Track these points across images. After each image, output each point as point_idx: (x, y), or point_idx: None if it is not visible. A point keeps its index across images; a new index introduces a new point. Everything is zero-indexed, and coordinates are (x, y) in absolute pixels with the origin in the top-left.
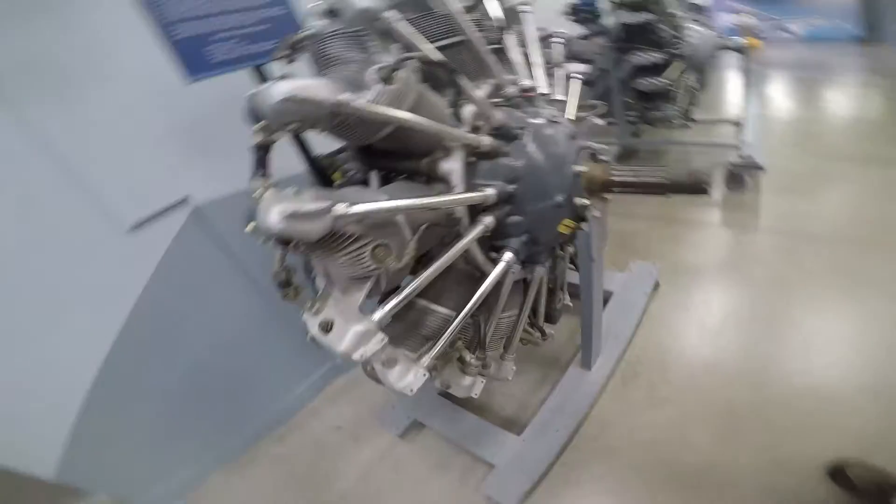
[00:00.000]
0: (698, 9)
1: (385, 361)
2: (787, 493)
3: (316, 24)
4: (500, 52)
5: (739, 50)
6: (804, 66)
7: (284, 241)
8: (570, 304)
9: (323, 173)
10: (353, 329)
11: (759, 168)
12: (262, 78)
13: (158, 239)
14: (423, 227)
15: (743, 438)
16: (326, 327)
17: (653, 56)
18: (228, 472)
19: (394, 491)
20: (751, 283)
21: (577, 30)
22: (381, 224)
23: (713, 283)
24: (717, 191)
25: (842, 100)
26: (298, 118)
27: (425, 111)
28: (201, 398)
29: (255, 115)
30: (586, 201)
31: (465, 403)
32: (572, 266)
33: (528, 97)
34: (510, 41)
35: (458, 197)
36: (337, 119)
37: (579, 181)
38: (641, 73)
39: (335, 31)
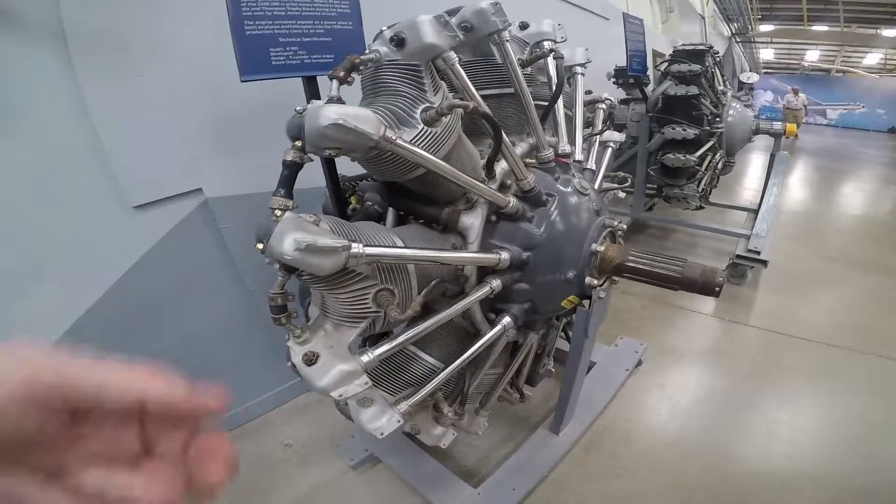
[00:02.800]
0: (746, 87)
1: (360, 400)
2: None
3: (380, 50)
4: (545, 109)
5: (775, 135)
6: (831, 154)
7: (291, 269)
8: (553, 369)
9: (340, 194)
10: (339, 367)
11: (763, 263)
12: (312, 89)
13: (160, 222)
14: (434, 283)
15: None
16: (311, 359)
17: (687, 131)
18: None
19: None
20: (729, 372)
21: (617, 93)
22: (390, 269)
23: (693, 368)
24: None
25: (857, 196)
26: (338, 144)
27: (459, 159)
28: None
29: (297, 130)
30: (595, 281)
31: (427, 447)
32: (563, 335)
33: (562, 163)
34: (559, 102)
35: (473, 256)
36: (374, 152)
37: (594, 261)
38: (671, 147)
39: (394, 60)
